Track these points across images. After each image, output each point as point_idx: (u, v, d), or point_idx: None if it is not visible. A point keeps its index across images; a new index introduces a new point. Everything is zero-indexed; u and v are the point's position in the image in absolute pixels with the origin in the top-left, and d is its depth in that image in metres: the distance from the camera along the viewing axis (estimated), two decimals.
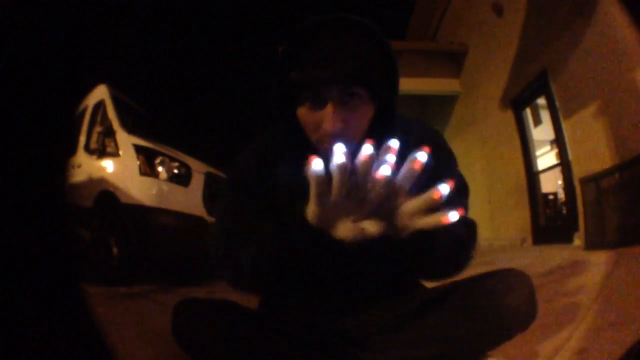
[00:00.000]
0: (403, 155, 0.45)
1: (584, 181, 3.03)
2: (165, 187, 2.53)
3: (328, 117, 0.55)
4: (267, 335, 0.61)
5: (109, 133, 2.65)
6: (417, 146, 0.45)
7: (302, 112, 0.59)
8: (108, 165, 2.61)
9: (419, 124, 0.72)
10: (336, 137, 0.53)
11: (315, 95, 0.56)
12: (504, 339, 0.63)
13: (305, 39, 0.57)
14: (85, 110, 2.95)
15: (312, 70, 0.54)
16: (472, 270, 0.72)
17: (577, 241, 3.15)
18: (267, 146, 0.72)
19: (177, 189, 2.58)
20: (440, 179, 0.44)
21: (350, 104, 0.56)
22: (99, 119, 2.80)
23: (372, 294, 0.69)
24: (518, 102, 4.31)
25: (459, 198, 0.50)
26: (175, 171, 2.60)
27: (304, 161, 0.45)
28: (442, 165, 0.60)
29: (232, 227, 0.66)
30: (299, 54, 0.56)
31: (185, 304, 0.66)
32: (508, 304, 0.60)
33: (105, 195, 2.49)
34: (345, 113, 0.56)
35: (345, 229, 0.48)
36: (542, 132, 4.19)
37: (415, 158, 0.44)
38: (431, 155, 0.45)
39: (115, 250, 2.41)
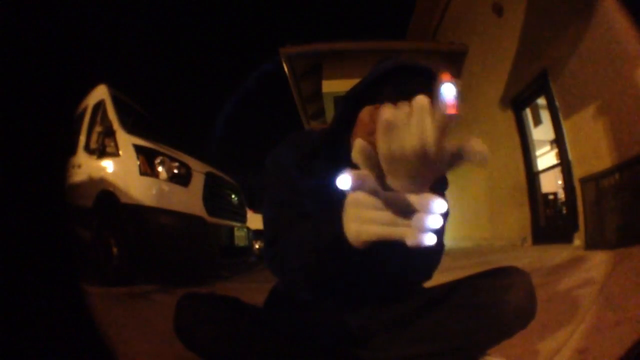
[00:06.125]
0: None
1: (584, 181, 3.03)
2: (165, 187, 2.52)
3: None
4: (269, 332, 0.61)
5: (109, 133, 2.65)
6: None
7: (365, 111, 0.67)
8: (108, 165, 2.60)
9: None
10: None
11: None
12: (505, 336, 0.64)
13: (396, 71, 0.66)
14: (85, 110, 2.95)
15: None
16: (473, 270, 0.73)
17: (577, 241, 3.14)
18: (303, 141, 0.75)
19: (177, 189, 2.58)
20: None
21: None
22: (99, 119, 2.80)
23: (375, 293, 0.69)
24: (518, 102, 4.30)
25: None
26: (175, 171, 2.59)
27: (338, 160, 0.49)
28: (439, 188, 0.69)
29: (280, 219, 0.67)
30: (390, 78, 0.65)
31: (188, 299, 0.66)
32: (508, 302, 0.61)
33: (105, 195, 2.49)
34: None
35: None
36: (542, 132, 4.19)
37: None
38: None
39: (115, 250, 2.40)
